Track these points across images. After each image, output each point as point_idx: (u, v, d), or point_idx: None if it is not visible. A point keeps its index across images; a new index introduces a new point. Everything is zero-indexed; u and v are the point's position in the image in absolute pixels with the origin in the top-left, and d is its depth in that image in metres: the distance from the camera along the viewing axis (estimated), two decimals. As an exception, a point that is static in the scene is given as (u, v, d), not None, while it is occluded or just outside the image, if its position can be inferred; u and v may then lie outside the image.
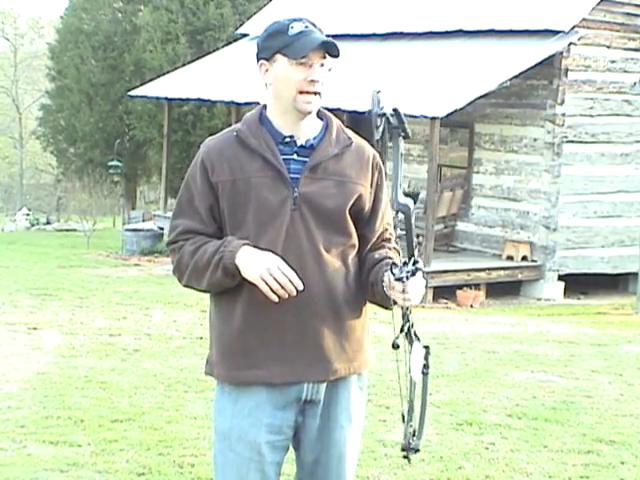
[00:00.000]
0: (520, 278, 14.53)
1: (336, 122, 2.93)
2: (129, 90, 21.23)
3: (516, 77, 14.00)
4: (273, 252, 2.75)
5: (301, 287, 2.72)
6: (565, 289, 14.64)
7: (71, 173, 27.45)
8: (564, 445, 5.34)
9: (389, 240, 2.94)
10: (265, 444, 2.84)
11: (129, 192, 26.91)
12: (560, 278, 14.71)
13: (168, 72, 20.57)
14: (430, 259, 13.45)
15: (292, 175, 2.82)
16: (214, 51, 21.00)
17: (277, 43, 2.80)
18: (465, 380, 6.82)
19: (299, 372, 2.82)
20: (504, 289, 14.21)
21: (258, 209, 2.79)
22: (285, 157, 2.84)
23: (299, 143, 2.85)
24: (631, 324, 11.09)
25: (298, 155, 2.85)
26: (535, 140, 14.80)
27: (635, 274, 13.71)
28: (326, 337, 2.83)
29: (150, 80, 20.59)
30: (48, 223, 27.98)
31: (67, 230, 25.92)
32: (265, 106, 2.92)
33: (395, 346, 2.70)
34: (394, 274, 2.70)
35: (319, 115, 2.92)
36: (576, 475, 4.90)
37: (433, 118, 13.60)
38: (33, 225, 27.36)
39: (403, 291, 2.68)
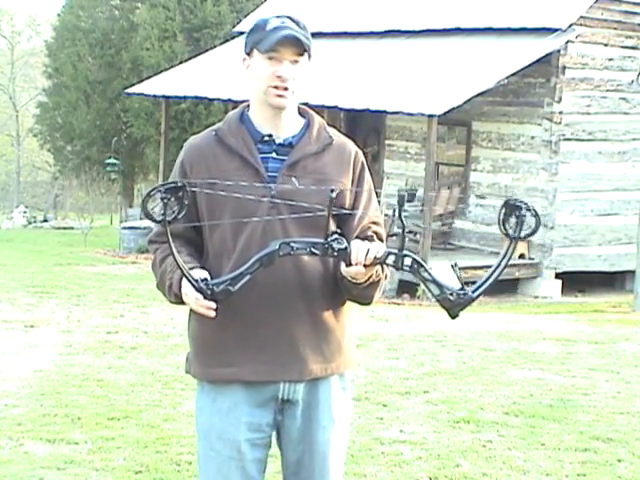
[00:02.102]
0: (517, 276, 14.53)
1: (318, 120, 2.90)
2: (126, 88, 21.20)
3: (513, 75, 14.00)
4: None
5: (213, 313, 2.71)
6: (562, 287, 14.64)
7: (68, 171, 27.40)
8: (561, 443, 5.34)
9: (371, 238, 2.83)
10: (245, 442, 2.82)
11: (126, 190, 26.84)
12: (557, 276, 14.72)
13: (165, 70, 20.54)
14: (427, 257, 13.45)
15: (270, 174, 2.80)
16: (211, 49, 20.97)
17: (254, 38, 2.83)
18: (462, 378, 6.81)
19: (274, 371, 2.80)
20: (501, 287, 14.20)
21: (236, 208, 2.77)
22: (264, 156, 2.82)
23: (278, 141, 2.83)
24: (628, 322, 11.07)
25: (277, 154, 2.83)
26: (532, 138, 14.80)
27: (632, 272, 13.71)
28: (302, 337, 2.80)
29: (147, 78, 20.57)
30: (45, 221, 27.96)
31: (64, 228, 25.93)
32: (248, 105, 2.91)
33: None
34: (346, 263, 2.70)
35: (301, 113, 2.90)
36: (573, 473, 4.89)
37: (430, 116, 13.60)
38: (30, 223, 27.34)
39: (366, 260, 2.67)
